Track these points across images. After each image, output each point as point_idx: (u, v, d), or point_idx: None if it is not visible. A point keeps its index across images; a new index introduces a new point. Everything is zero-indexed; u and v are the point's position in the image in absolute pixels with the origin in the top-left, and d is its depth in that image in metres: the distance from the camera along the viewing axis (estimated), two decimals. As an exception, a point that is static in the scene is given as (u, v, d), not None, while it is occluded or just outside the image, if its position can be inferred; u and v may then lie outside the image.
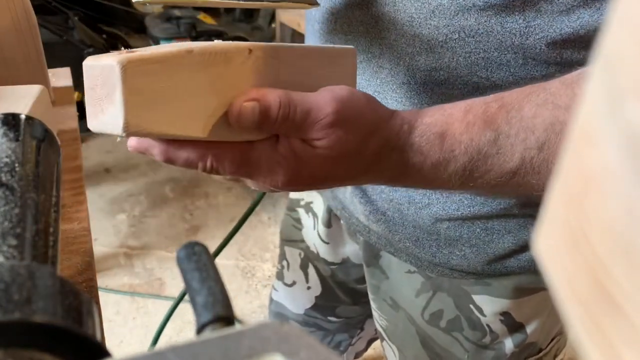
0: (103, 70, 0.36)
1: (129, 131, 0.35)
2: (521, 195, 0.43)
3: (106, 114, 0.36)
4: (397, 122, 0.42)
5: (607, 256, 0.13)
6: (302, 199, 0.81)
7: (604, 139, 0.13)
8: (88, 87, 0.37)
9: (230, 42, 0.41)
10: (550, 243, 0.16)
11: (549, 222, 0.16)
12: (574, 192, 0.14)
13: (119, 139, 0.38)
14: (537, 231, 0.17)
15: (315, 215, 0.79)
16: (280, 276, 0.88)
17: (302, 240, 0.82)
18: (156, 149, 0.40)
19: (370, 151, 0.41)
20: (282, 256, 0.87)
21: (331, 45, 0.50)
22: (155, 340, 0.82)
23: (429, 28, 0.48)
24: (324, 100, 0.40)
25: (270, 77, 0.41)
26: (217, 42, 0.40)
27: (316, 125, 0.39)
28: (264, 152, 0.40)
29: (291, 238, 0.84)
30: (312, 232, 0.80)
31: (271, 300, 0.93)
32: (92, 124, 0.37)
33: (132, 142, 0.40)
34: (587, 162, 0.14)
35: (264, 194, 0.76)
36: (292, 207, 0.83)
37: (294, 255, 0.84)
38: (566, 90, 0.39)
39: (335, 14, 0.56)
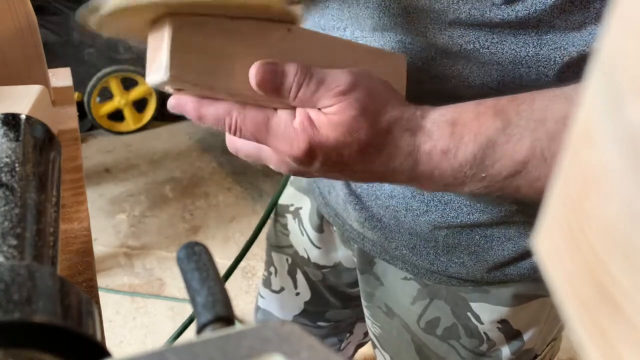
0: (159, 24, 0.40)
1: (171, 74, 0.39)
2: (538, 193, 0.42)
3: (156, 62, 0.40)
4: (411, 107, 0.43)
5: (607, 256, 0.13)
6: (292, 205, 0.81)
7: (604, 139, 0.13)
8: (150, 46, 0.42)
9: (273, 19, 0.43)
10: (550, 243, 0.16)
11: (548, 223, 0.16)
12: (574, 192, 0.14)
13: (171, 94, 0.42)
14: (537, 232, 0.17)
15: (301, 221, 0.79)
16: (267, 283, 0.88)
17: (290, 246, 0.81)
18: (189, 105, 0.42)
19: (382, 127, 0.41)
20: (269, 262, 0.86)
21: (381, 48, 0.50)
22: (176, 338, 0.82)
23: (443, 38, 0.49)
24: (339, 72, 0.41)
25: (305, 60, 0.43)
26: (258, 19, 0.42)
27: (329, 92, 0.41)
28: (283, 119, 0.42)
29: (278, 244, 0.83)
30: (301, 238, 0.79)
31: (257, 308, 0.92)
32: (149, 77, 0.42)
33: (172, 100, 0.43)
34: (587, 162, 0.14)
35: (272, 208, 0.75)
36: (281, 212, 0.83)
37: (282, 261, 0.83)
38: (580, 88, 0.39)
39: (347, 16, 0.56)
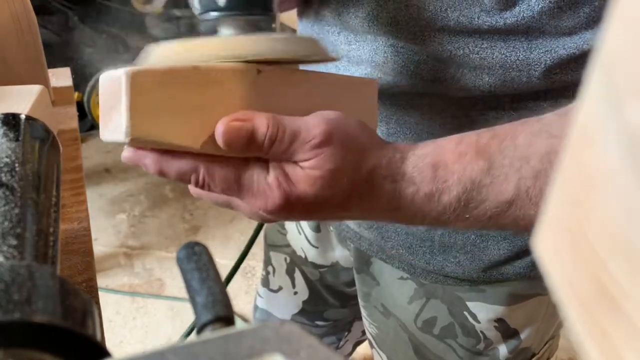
0: (112, 81, 0.37)
1: (132, 137, 0.36)
2: (523, 230, 0.41)
3: (113, 121, 0.37)
4: (389, 150, 0.41)
5: (607, 256, 0.13)
6: None
7: (604, 140, 0.13)
8: (102, 99, 0.39)
9: (240, 62, 0.41)
10: (550, 243, 0.16)
11: (548, 223, 0.16)
12: (574, 193, 0.14)
13: (125, 147, 0.39)
14: (537, 232, 0.17)
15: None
16: (265, 282, 0.87)
17: (288, 245, 0.81)
18: (149, 159, 0.39)
19: (362, 176, 0.40)
20: (267, 262, 0.86)
21: (350, 75, 0.49)
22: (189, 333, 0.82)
23: (433, 44, 0.49)
24: (313, 122, 0.39)
25: (279, 100, 0.41)
26: (226, 63, 0.40)
27: (304, 146, 0.39)
28: (255, 172, 0.40)
29: (276, 243, 0.83)
30: (299, 237, 0.79)
31: (256, 307, 0.91)
32: (103, 134, 0.39)
33: (126, 152, 0.40)
34: (587, 162, 0.14)
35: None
36: None
37: (280, 260, 0.83)
38: (560, 120, 0.39)
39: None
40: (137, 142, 0.37)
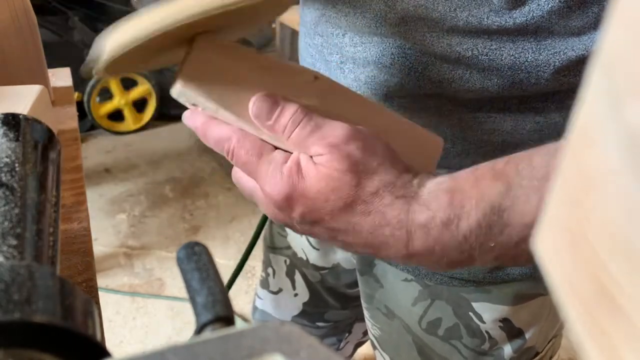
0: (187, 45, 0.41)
1: (183, 85, 0.40)
2: None
3: (177, 75, 0.41)
4: (408, 175, 0.40)
5: (607, 256, 0.13)
6: None
7: (604, 140, 0.13)
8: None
9: (306, 68, 0.44)
10: (550, 243, 0.16)
11: (549, 223, 0.16)
12: (574, 193, 0.14)
13: (183, 100, 0.43)
14: (537, 232, 0.17)
15: None
16: (264, 284, 0.87)
17: (288, 247, 0.81)
18: (199, 121, 0.42)
19: (370, 189, 0.39)
20: (267, 263, 0.85)
21: (418, 126, 0.46)
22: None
23: (441, 45, 0.48)
24: (340, 124, 0.40)
25: (323, 112, 0.41)
26: (288, 63, 0.43)
27: (323, 141, 0.39)
28: (275, 159, 0.41)
29: (276, 245, 0.83)
30: (300, 239, 0.79)
31: (255, 309, 0.91)
32: (172, 89, 0.42)
33: (187, 113, 0.43)
34: (587, 162, 0.14)
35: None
36: None
37: (279, 262, 0.83)
38: None
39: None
40: (188, 93, 0.41)
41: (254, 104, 0.41)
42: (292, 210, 0.40)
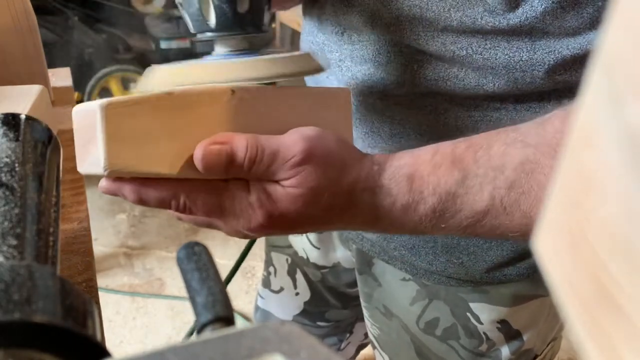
0: (87, 114, 0.38)
1: (110, 169, 0.37)
2: (500, 238, 0.42)
3: (91, 154, 0.38)
4: (368, 163, 0.42)
5: (607, 256, 0.13)
6: None
7: (604, 140, 0.13)
8: (77, 132, 0.39)
9: (214, 84, 0.41)
10: (550, 243, 0.16)
11: (548, 223, 0.16)
12: (574, 193, 0.14)
13: (103, 178, 0.39)
14: (536, 232, 0.17)
15: None
16: (266, 283, 0.88)
17: (289, 246, 0.81)
18: (127, 189, 0.39)
19: (342, 190, 0.41)
20: (269, 262, 0.86)
21: (324, 87, 0.49)
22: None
23: (436, 44, 0.49)
24: (291, 140, 0.40)
25: (255, 118, 0.42)
26: (199, 86, 0.40)
27: (284, 165, 0.39)
28: (237, 193, 0.40)
29: (277, 244, 0.83)
30: (300, 238, 0.79)
31: (257, 308, 0.91)
32: (81, 166, 0.39)
33: (104, 183, 0.40)
34: (587, 162, 0.14)
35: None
36: None
37: (281, 261, 0.83)
38: (537, 128, 0.39)
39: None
40: (115, 173, 0.37)
41: (201, 160, 0.38)
42: (272, 231, 0.42)
